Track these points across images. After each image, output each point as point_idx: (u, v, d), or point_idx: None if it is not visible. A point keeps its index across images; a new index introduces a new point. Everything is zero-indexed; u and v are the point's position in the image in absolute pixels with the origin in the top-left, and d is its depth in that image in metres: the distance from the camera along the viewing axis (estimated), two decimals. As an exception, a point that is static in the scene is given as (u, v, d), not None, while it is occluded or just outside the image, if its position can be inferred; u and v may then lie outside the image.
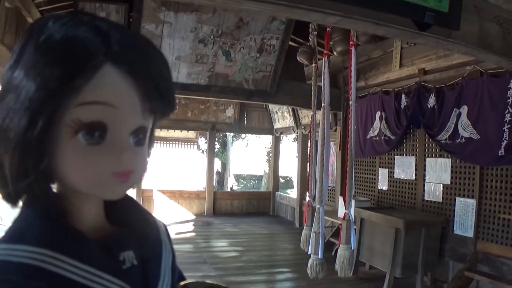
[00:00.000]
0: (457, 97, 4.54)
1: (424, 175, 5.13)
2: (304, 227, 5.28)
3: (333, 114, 7.00)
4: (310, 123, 5.44)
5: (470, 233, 4.44)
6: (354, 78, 4.20)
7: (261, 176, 17.63)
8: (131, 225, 0.63)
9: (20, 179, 0.51)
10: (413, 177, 5.34)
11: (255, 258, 6.05)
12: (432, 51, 4.89)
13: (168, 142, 10.50)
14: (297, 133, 8.72)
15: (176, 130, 9.60)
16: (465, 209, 4.51)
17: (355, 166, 6.64)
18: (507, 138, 3.98)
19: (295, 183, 16.20)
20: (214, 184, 10.58)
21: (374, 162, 6.21)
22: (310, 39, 5.21)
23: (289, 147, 15.26)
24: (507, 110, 3.98)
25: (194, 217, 9.12)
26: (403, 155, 5.56)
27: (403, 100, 5.41)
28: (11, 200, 0.53)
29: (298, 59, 5.37)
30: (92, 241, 0.54)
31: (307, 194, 5.35)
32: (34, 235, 0.51)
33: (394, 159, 5.74)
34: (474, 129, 4.33)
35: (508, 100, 3.98)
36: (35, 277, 0.47)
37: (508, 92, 3.98)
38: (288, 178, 17.02)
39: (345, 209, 4.28)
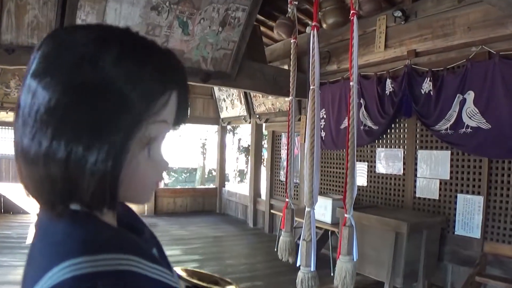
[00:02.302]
0: (461, 81, 4.02)
1: (415, 170, 4.59)
2: (282, 233, 4.54)
3: (297, 101, 6.27)
4: (288, 109, 4.63)
5: (476, 234, 3.96)
6: (356, 56, 3.45)
7: (195, 169, 16.56)
8: (134, 225, 0.68)
9: (102, 191, 0.53)
10: (401, 172, 4.79)
11: (219, 269, 5.13)
12: (428, 29, 4.33)
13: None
14: (250, 122, 7.86)
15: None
16: (470, 207, 4.03)
17: (325, 160, 6.08)
18: (526, 128, 3.52)
19: (230, 177, 15.40)
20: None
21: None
22: (290, 10, 4.37)
23: (213, 138, 14.07)
24: (527, 96, 3.51)
25: (132, 219, 7.87)
26: (387, 147, 4.99)
27: (389, 85, 4.82)
28: (55, 211, 0.54)
29: (275, 33, 4.51)
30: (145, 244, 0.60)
31: (286, 194, 4.56)
32: (121, 245, 0.54)
33: (375, 152, 5.15)
34: (483, 117, 3.83)
35: (528, 85, 3.51)
36: (140, 280, 0.51)
37: (528, 75, 3.51)
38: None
39: (346, 212, 3.57)
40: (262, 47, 6.07)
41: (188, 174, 17.24)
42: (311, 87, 3.93)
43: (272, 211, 6.61)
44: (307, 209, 3.85)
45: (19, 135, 0.53)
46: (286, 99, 6.39)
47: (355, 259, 3.59)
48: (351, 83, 3.49)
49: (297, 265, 3.73)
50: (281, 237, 4.57)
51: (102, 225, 0.55)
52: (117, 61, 0.52)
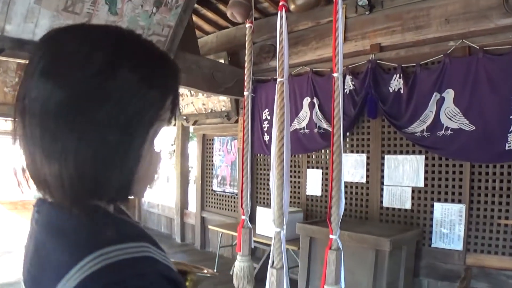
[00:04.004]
0: (438, 79, 3.64)
1: (382, 177, 4.14)
2: (238, 257, 3.83)
3: (235, 101, 5.50)
4: (243, 107, 3.89)
5: (457, 245, 3.61)
6: (341, 42, 2.80)
7: None
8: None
9: (126, 187, 0.59)
10: (364, 180, 4.31)
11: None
12: (398, 21, 3.90)
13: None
14: (175, 124, 6.84)
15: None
16: (450, 217, 3.68)
17: (264, 167, 5.39)
18: (516, 129, 3.24)
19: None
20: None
21: (299, 161, 4.99)
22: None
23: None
24: (516, 95, 3.24)
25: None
26: (347, 152, 4.47)
27: (348, 82, 4.31)
28: (76, 207, 0.55)
29: (228, 14, 3.71)
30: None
31: (242, 210, 3.78)
32: (139, 234, 0.59)
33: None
34: (466, 118, 3.50)
35: (517, 83, 3.23)
36: (157, 264, 0.55)
37: (517, 73, 3.23)
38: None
39: (331, 233, 2.95)
40: (195, 38, 5.18)
41: None
42: (278, 80, 3.24)
43: (210, 226, 5.70)
44: (276, 229, 3.20)
45: (36, 132, 0.54)
46: (221, 98, 5.59)
47: (343, 288, 3.00)
48: (335, 75, 2.82)
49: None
50: (237, 262, 3.84)
51: (117, 217, 0.60)
52: (136, 67, 0.57)
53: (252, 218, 5.29)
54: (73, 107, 0.53)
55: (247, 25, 3.80)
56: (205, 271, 0.94)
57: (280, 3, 3.19)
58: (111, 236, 0.54)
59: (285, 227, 3.21)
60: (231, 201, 5.80)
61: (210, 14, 5.36)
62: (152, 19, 3.96)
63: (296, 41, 4.77)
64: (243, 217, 3.79)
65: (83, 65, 0.54)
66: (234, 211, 5.69)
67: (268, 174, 5.32)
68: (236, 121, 5.51)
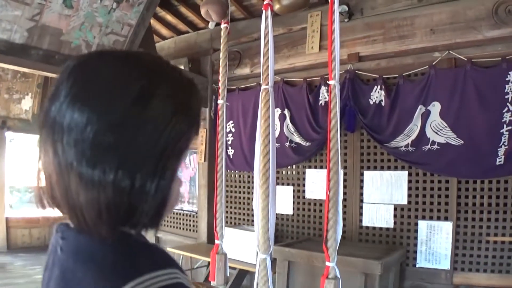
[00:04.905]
0: (423, 91, 3.50)
1: (361, 194, 3.90)
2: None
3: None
4: (217, 115, 3.45)
5: (444, 264, 3.44)
6: (337, 46, 2.49)
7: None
8: None
9: (159, 214, 0.59)
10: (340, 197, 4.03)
11: None
12: (379, 30, 3.73)
13: None
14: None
15: None
16: (435, 235, 3.50)
17: (231, 184, 4.91)
18: (506, 143, 3.15)
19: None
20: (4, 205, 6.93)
21: (267, 177, 4.61)
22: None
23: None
24: (506, 108, 3.15)
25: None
26: (321, 167, 4.19)
27: (323, 93, 4.06)
28: (109, 234, 0.55)
29: (202, 12, 3.27)
30: None
31: (216, 234, 3.32)
32: (168, 260, 0.58)
33: (304, 173, 4.31)
34: (453, 132, 3.36)
35: (507, 96, 3.15)
36: None
37: (506, 86, 3.15)
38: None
39: (328, 259, 2.64)
40: (153, 41, 4.66)
41: (33, 193, 13.81)
42: (262, 87, 2.86)
43: (170, 249, 5.08)
44: (261, 255, 2.82)
45: (71, 159, 0.53)
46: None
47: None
48: (331, 82, 2.48)
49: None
50: (209, 293, 3.34)
51: (147, 244, 0.60)
52: (168, 96, 0.57)
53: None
54: (112, 136, 0.53)
55: (223, 25, 3.40)
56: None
57: (265, 2, 2.83)
58: (144, 264, 0.54)
59: (271, 252, 2.84)
60: (190, 220, 5.27)
61: (169, 17, 4.87)
62: (112, 15, 3.43)
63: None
64: (217, 241, 3.33)
65: (121, 94, 0.54)
66: (194, 231, 5.16)
67: (234, 191, 4.90)
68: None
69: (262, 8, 2.81)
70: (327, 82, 2.59)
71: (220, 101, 3.48)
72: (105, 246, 0.55)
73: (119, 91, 0.54)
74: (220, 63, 3.45)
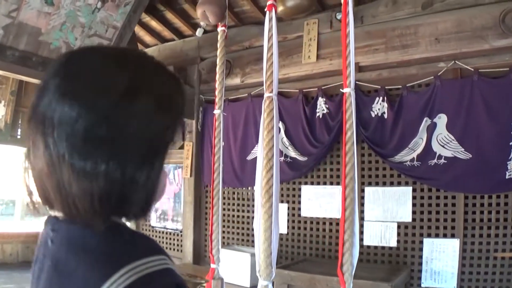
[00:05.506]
0: (428, 102, 3.35)
1: (362, 212, 3.68)
2: None
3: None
4: (214, 125, 3.21)
5: (451, 283, 3.25)
6: (352, 52, 2.30)
7: (13, 201, 12.52)
8: None
9: (149, 204, 0.61)
10: (339, 215, 3.80)
11: None
12: (381, 39, 3.58)
13: None
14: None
15: None
16: (441, 253, 3.31)
17: (223, 201, 4.60)
18: (516, 156, 3.02)
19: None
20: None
21: (259, 193, 4.34)
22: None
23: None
24: (516, 121, 3.03)
25: None
26: (319, 183, 3.96)
27: (321, 105, 3.87)
28: (100, 224, 0.55)
29: (199, 13, 3.04)
30: None
31: (211, 257, 3.02)
32: (157, 247, 0.60)
33: (300, 189, 4.06)
34: (461, 145, 3.21)
35: (516, 108, 3.04)
36: (175, 274, 0.57)
37: (516, 97, 3.04)
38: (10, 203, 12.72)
39: (342, 285, 2.40)
40: (137, 47, 4.37)
41: (4, 206, 13.07)
42: (266, 95, 2.64)
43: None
44: (262, 282, 2.56)
45: (63, 152, 0.53)
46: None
47: None
48: (346, 90, 2.29)
49: None
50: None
51: (136, 232, 0.61)
52: (154, 90, 0.59)
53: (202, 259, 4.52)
54: (102, 129, 0.53)
55: (220, 28, 3.17)
56: (198, 279, 1.18)
57: (269, 2, 2.63)
58: (135, 252, 0.55)
59: (273, 277, 2.58)
60: (174, 239, 4.91)
61: (154, 23, 4.59)
62: (96, 15, 3.14)
63: (258, 57, 4.22)
64: (213, 265, 3.04)
65: (109, 89, 0.55)
66: (178, 250, 4.80)
67: (228, 209, 4.59)
68: (181, 147, 4.71)
69: (266, 9, 2.61)
70: (341, 90, 2.39)
71: (216, 111, 3.24)
72: (98, 236, 0.55)
73: (108, 86, 0.55)
74: (217, 70, 3.22)
